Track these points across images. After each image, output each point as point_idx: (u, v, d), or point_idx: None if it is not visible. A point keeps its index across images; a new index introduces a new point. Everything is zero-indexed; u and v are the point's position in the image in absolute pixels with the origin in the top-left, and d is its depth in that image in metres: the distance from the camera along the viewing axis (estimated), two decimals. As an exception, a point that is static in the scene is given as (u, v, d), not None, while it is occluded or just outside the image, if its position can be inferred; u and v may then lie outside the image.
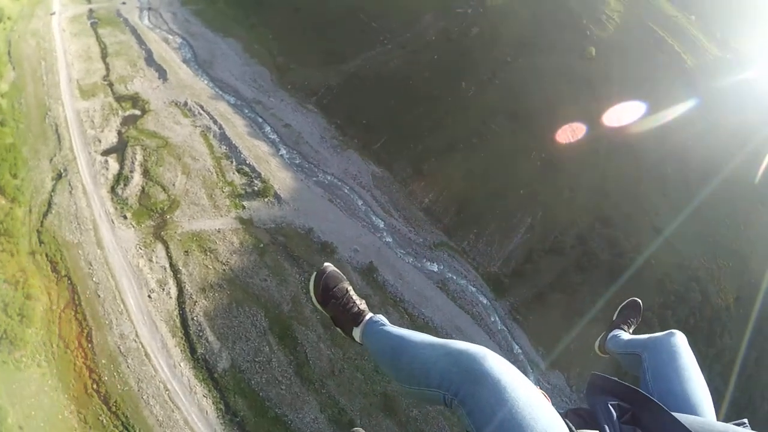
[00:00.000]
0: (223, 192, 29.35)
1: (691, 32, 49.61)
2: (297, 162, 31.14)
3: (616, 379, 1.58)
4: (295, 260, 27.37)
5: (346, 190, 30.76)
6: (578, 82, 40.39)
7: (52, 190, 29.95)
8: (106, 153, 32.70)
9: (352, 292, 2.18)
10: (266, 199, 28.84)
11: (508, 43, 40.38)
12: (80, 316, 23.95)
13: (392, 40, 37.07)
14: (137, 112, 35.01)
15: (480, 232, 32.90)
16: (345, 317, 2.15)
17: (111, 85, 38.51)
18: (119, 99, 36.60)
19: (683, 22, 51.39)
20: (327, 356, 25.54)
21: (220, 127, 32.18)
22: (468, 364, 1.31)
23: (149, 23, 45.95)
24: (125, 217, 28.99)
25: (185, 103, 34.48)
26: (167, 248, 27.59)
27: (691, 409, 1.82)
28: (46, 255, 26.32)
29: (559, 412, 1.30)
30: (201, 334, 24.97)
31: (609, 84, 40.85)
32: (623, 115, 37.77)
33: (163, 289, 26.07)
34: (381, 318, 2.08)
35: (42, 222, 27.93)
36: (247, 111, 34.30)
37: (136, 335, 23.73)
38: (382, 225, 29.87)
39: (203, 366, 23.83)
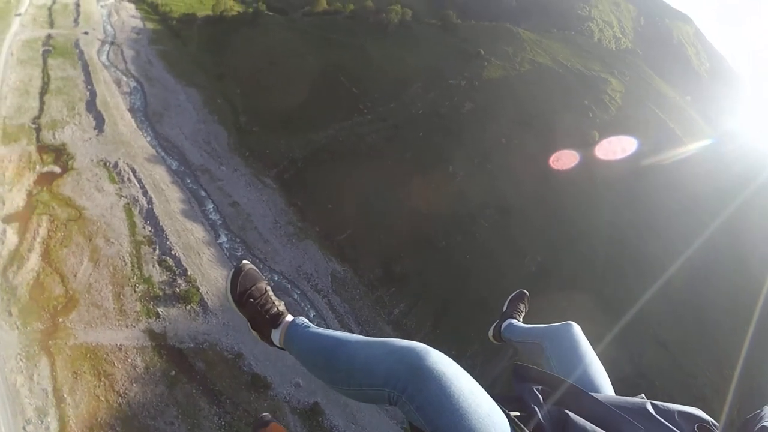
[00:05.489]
0: (136, 291, 22.89)
1: (689, 113, 49.50)
2: (238, 254, 24.94)
3: (536, 367, 1.70)
4: (216, 396, 20.75)
5: (296, 296, 24.52)
6: (581, 169, 36.24)
7: (-63, 260, 24.02)
8: (6, 220, 26.39)
9: (270, 293, 1.94)
10: (188, 307, 22.40)
11: (504, 123, 36.00)
12: (-54, 437, 18.54)
13: (373, 109, 32.19)
14: (57, 170, 28.86)
15: (459, 353, 26.92)
16: (262, 319, 1.90)
17: (38, 129, 32.49)
18: (42, 149, 30.53)
19: (681, 103, 51.33)
20: None
21: (150, 201, 26.03)
22: (414, 361, 1.32)
23: (106, 60, 40.69)
24: (10, 314, 22.70)
25: (115, 165, 28.46)
26: (53, 365, 21.40)
27: (596, 389, 1.93)
28: None
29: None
30: (77, 494, 18.61)
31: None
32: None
33: (42, 422, 20.01)
34: (304, 320, 1.89)
35: None
36: (189, 181, 28.29)
37: (2, 479, 17.88)
38: (336, 345, 23.57)
39: None
